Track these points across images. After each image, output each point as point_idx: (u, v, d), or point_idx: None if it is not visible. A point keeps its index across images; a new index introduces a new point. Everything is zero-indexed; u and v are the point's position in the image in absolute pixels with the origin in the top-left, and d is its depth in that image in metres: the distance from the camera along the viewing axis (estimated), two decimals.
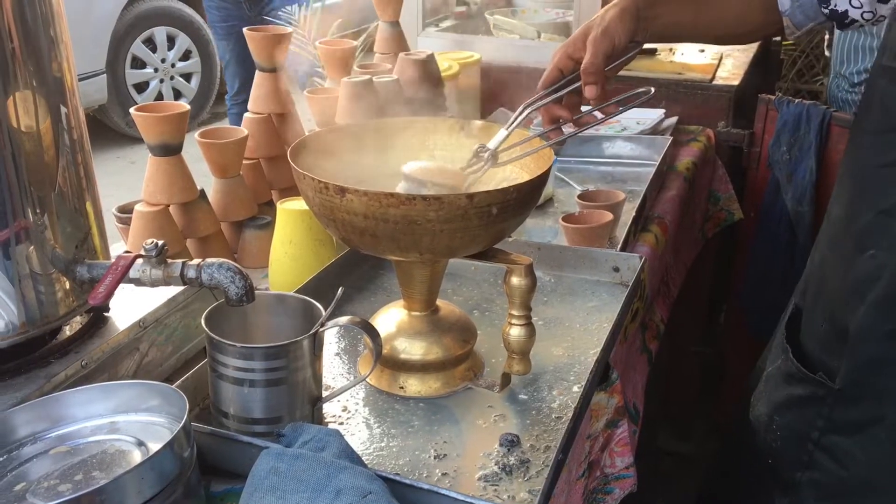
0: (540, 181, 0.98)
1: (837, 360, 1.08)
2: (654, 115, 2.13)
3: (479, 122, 1.15)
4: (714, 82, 2.30)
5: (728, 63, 2.55)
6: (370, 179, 1.11)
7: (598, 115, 1.12)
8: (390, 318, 1.09)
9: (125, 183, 3.79)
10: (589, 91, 1.11)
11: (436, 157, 1.14)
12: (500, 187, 0.95)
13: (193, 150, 1.40)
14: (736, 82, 2.31)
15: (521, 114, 1.10)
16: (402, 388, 1.05)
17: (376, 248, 0.97)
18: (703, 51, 2.67)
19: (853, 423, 1.08)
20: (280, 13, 3.43)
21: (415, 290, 1.06)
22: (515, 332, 1.01)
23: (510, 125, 1.08)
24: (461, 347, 1.07)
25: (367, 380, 1.05)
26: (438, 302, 1.10)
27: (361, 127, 1.15)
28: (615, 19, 1.12)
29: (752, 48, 2.79)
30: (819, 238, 1.21)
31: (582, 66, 1.12)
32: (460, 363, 1.08)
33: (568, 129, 1.16)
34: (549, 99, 1.14)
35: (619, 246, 1.45)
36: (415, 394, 1.05)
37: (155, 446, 0.80)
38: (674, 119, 2.18)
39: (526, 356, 1.03)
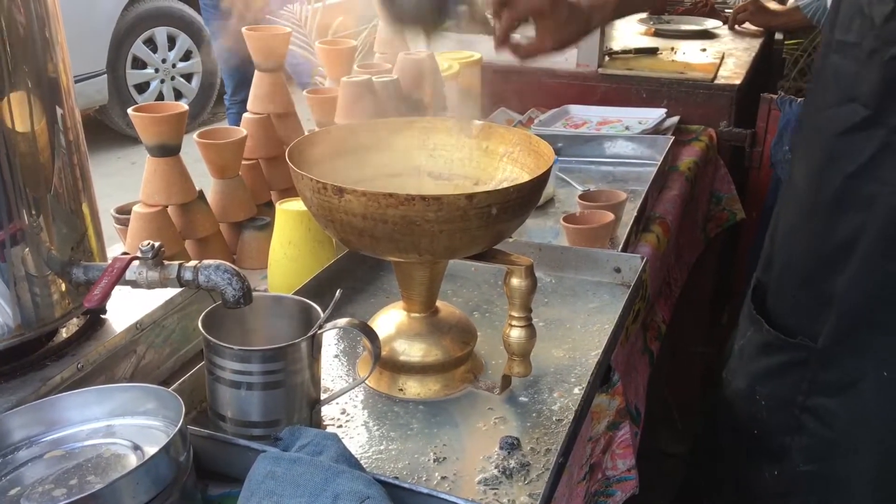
0: (540, 181, 0.98)
1: (815, 324, 1.11)
2: (655, 114, 2.12)
3: (479, 121, 1.14)
4: (716, 81, 2.29)
5: (730, 62, 2.54)
6: (369, 180, 1.10)
7: None
8: (389, 319, 1.08)
9: (126, 184, 3.79)
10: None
11: (435, 157, 1.13)
12: (500, 187, 0.94)
13: (193, 151, 1.39)
14: (738, 81, 2.30)
15: None
16: (401, 390, 1.05)
17: (375, 249, 0.96)
18: (704, 50, 2.66)
19: (836, 384, 1.10)
20: (281, 11, 3.42)
21: (414, 292, 1.06)
22: (516, 333, 1.00)
23: None
24: (461, 349, 1.06)
25: (366, 382, 1.04)
26: (438, 303, 1.09)
27: (361, 127, 1.14)
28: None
29: (754, 47, 2.78)
30: (781, 212, 1.24)
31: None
32: (460, 365, 1.07)
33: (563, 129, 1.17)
34: None
35: (621, 246, 1.44)
36: (414, 396, 1.04)
37: (151, 450, 0.80)
38: (675, 118, 2.17)
39: (526, 358, 1.02)
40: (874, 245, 1.04)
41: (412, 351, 1.04)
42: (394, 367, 1.05)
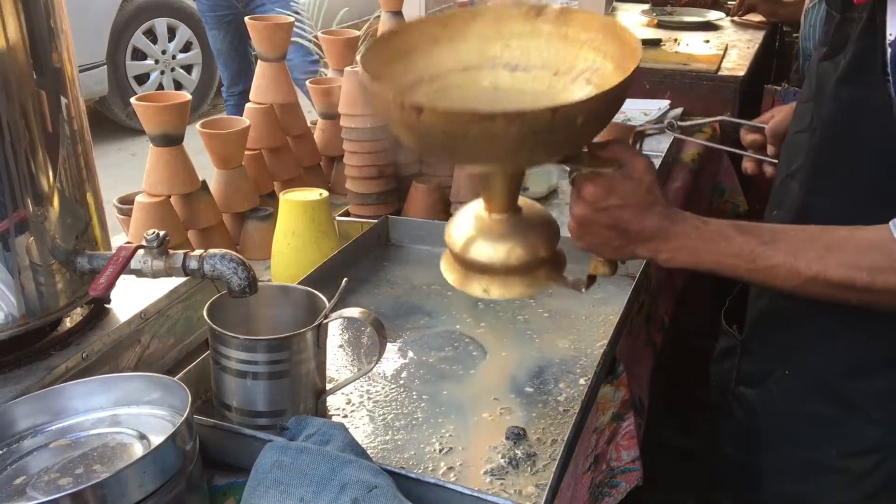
0: (627, 82, 0.89)
1: (746, 315, 1.16)
2: (659, 105, 2.11)
3: (556, 6, 1.04)
4: (719, 73, 2.29)
5: (733, 54, 2.53)
6: (443, 75, 1.01)
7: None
8: (469, 219, 1.00)
9: (126, 175, 3.78)
10: (769, 150, 1.28)
11: (511, 46, 1.04)
12: (585, 97, 0.86)
13: (195, 143, 1.39)
14: (741, 73, 2.30)
15: (715, 119, 1.69)
16: (485, 290, 0.97)
17: (457, 159, 0.91)
18: (707, 41, 2.65)
19: (755, 375, 1.12)
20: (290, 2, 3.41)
21: (494, 192, 0.98)
22: None
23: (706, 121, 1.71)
24: (546, 249, 0.98)
25: (451, 282, 0.98)
26: (520, 201, 1.01)
27: (430, 21, 1.03)
28: None
29: (758, 39, 2.77)
30: None
31: (767, 127, 1.26)
32: (544, 265, 0.99)
33: None
34: (738, 122, 1.38)
35: None
36: (498, 296, 0.97)
37: (157, 439, 0.79)
38: (679, 110, 2.16)
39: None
40: None
41: (495, 253, 0.96)
42: (475, 268, 0.97)
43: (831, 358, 1.01)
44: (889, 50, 0.87)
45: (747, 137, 1.32)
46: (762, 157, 1.30)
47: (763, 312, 1.11)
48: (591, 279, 1.01)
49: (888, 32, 0.87)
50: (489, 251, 0.96)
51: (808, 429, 1.05)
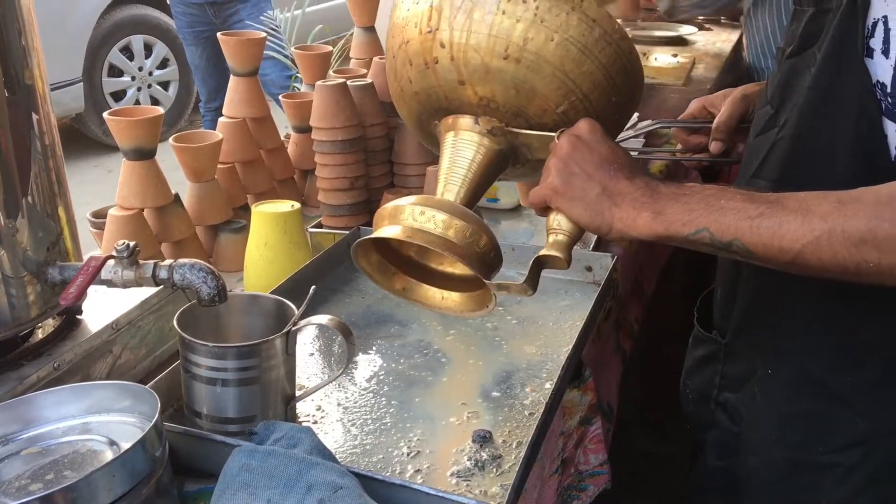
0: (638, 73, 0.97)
1: (727, 320, 1.14)
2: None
3: None
4: (687, 86, 2.34)
5: (700, 68, 2.58)
6: None
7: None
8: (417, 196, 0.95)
9: (102, 192, 3.77)
10: (714, 146, 1.25)
11: None
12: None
13: (170, 159, 1.40)
14: (708, 86, 2.35)
15: (650, 125, 1.54)
16: (404, 289, 0.96)
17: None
18: (675, 55, 2.71)
19: (738, 379, 1.11)
20: (262, 17, 3.44)
21: (454, 176, 0.94)
22: None
23: (639, 130, 1.52)
24: (484, 243, 0.91)
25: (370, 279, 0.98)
26: None
27: None
28: (756, 90, 1.16)
29: (725, 52, 2.83)
30: None
31: (715, 122, 1.23)
32: (480, 261, 0.92)
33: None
34: (678, 125, 1.37)
35: (592, 246, 1.46)
36: (417, 297, 0.98)
37: (127, 446, 0.81)
38: (646, 122, 2.20)
39: (573, 240, 0.89)
40: None
41: (437, 217, 0.89)
42: (409, 233, 0.90)
43: (816, 351, 0.99)
44: (869, 29, 0.86)
45: (692, 140, 1.31)
46: (730, 161, 1.28)
47: (749, 310, 1.08)
48: (536, 270, 0.92)
49: (870, 16, 0.86)
50: (432, 215, 0.89)
51: (792, 426, 1.03)
